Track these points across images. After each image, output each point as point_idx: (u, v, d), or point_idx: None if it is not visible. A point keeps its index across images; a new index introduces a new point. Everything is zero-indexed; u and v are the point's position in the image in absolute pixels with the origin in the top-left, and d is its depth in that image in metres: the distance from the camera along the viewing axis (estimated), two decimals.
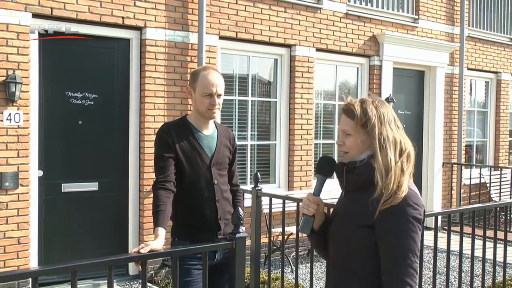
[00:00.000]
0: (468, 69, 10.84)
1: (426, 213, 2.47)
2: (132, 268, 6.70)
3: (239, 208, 3.17)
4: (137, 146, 6.75)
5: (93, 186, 6.51)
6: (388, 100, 9.20)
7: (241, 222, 3.08)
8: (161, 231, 3.13)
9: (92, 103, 6.48)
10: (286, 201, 5.35)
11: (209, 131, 3.62)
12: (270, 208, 5.40)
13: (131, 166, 6.73)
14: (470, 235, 4.86)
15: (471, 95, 11.52)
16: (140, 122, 6.73)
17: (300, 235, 5.32)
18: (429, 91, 10.24)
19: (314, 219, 2.57)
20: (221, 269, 3.49)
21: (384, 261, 2.29)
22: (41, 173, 6.19)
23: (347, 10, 8.76)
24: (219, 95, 3.51)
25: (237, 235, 3.05)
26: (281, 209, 5.30)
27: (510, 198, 10.13)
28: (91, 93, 6.46)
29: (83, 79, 6.44)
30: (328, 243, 2.56)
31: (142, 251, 2.84)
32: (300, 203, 5.17)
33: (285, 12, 7.99)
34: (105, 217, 6.63)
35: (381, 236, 2.29)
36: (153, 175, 6.68)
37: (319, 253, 2.76)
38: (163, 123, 6.71)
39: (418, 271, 2.25)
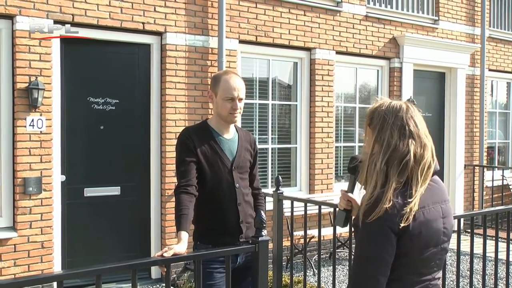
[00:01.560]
0: (489, 70, 10.73)
1: None
2: (155, 272, 6.74)
3: (261, 212, 3.17)
4: (158, 150, 6.79)
5: (115, 191, 6.57)
6: (409, 102, 9.12)
7: (264, 225, 3.09)
8: (184, 235, 3.14)
9: (114, 108, 6.54)
10: (308, 204, 5.34)
11: (230, 135, 3.63)
12: (292, 211, 5.39)
13: (152, 170, 6.78)
14: (494, 238, 4.81)
15: (492, 96, 11.40)
16: (161, 127, 6.77)
17: (322, 237, 5.31)
18: (450, 92, 10.15)
19: (347, 214, 2.63)
20: (243, 273, 3.49)
21: None
22: (63, 178, 6.26)
23: (367, 12, 8.74)
24: (240, 99, 3.53)
25: (260, 239, 3.05)
26: (302, 213, 5.30)
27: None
28: (112, 98, 6.52)
29: (104, 85, 6.51)
30: None
31: (165, 254, 2.86)
32: (322, 206, 5.19)
33: (304, 15, 7.99)
34: (128, 221, 6.68)
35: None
36: (174, 179, 6.72)
37: None
38: (184, 127, 6.78)
39: (378, 278, 2.15)
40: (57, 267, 6.17)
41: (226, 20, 7.09)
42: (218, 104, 3.53)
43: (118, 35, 6.49)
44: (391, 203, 2.13)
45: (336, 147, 8.71)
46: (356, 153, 8.99)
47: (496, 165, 11.28)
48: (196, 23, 6.97)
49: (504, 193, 10.29)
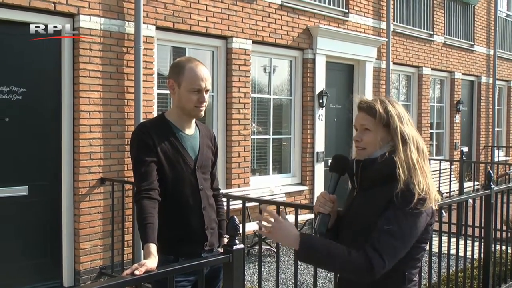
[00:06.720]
0: (394, 63, 10.93)
1: None
2: (67, 279, 6.12)
3: (234, 217, 2.81)
4: (71, 145, 6.14)
5: (22, 191, 5.81)
6: (322, 94, 9.06)
7: (238, 232, 2.75)
8: (154, 248, 2.73)
9: (21, 98, 5.78)
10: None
11: (191, 131, 3.24)
12: (228, 209, 5.08)
13: (64, 167, 6.11)
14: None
15: (396, 89, 11.65)
16: (74, 119, 6.13)
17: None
18: (358, 84, 10.22)
19: (330, 217, 2.53)
20: (210, 284, 3.12)
21: (373, 232, 2.27)
22: None
23: (282, 1, 8.52)
24: (207, 91, 3.15)
25: (234, 247, 2.71)
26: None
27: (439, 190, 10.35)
28: (19, 87, 5.76)
29: (10, 71, 5.72)
30: (340, 240, 2.46)
31: (136, 272, 2.43)
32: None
33: (222, 2, 7.61)
34: (37, 224, 5.97)
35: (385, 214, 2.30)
36: (88, 177, 6.19)
37: None
38: (98, 119, 6.20)
39: (397, 257, 2.27)
40: None
41: (143, 4, 6.56)
42: (181, 96, 3.12)
43: (26, 15, 5.74)
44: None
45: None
46: (270, 146, 8.78)
47: None
48: (112, 6, 6.37)
49: None
